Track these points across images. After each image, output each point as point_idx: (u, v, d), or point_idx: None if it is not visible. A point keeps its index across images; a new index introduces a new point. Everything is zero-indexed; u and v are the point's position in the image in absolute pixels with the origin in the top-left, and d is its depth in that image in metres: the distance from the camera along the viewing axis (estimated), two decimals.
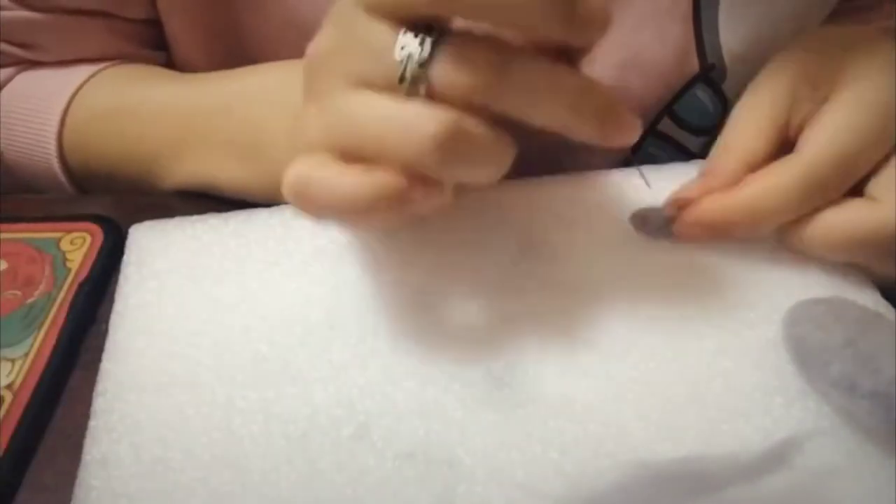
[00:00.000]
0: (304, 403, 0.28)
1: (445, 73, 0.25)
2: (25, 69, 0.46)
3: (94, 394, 0.29)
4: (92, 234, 0.36)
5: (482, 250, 0.33)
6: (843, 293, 0.30)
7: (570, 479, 0.26)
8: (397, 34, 0.25)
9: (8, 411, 0.29)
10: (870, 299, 0.31)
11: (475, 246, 0.33)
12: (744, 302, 0.31)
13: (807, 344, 0.28)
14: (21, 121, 0.44)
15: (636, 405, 0.28)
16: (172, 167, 0.41)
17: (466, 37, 0.26)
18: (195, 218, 0.35)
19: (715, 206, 0.31)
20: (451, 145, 0.25)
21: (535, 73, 0.26)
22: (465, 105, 0.25)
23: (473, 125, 0.25)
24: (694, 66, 0.43)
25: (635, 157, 0.46)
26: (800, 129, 0.32)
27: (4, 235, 0.36)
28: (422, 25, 0.25)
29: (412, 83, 0.25)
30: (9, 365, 0.30)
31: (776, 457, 0.26)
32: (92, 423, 0.28)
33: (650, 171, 0.35)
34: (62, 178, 0.44)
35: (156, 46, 0.48)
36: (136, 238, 0.35)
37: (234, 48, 0.47)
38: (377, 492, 0.26)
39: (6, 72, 0.45)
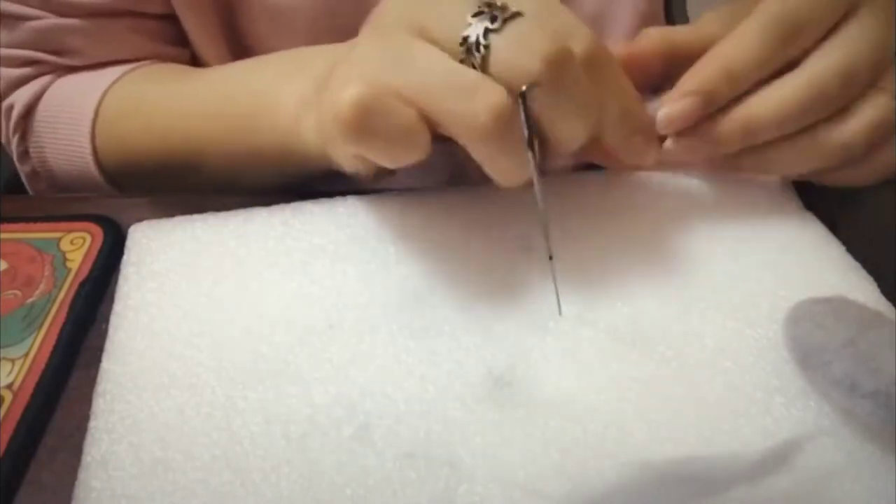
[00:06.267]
0: (304, 403, 0.28)
1: (506, 47, 0.26)
2: (62, 75, 0.47)
3: (94, 394, 0.29)
4: (92, 234, 0.36)
5: (482, 250, 0.33)
6: (843, 293, 0.30)
7: (570, 479, 0.26)
8: (475, 4, 0.27)
9: (8, 411, 0.29)
10: (870, 299, 0.31)
11: (475, 246, 0.33)
12: (744, 301, 0.31)
13: (807, 343, 0.28)
14: (61, 125, 0.45)
15: (636, 405, 0.28)
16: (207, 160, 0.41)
17: (535, 23, 0.27)
18: (195, 217, 0.35)
19: (714, 123, 0.32)
20: (503, 121, 0.26)
21: (585, 87, 0.27)
22: (510, 88, 0.26)
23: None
24: None
25: None
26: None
27: (4, 235, 0.36)
28: (498, 5, 0.27)
29: (471, 49, 0.27)
30: (9, 365, 0.30)
31: (777, 457, 0.26)
32: (92, 423, 0.28)
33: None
34: (98, 176, 0.45)
35: (180, 43, 0.49)
36: (136, 238, 0.35)
37: (240, 46, 0.47)
38: (377, 492, 0.26)
39: (44, 80, 0.46)
